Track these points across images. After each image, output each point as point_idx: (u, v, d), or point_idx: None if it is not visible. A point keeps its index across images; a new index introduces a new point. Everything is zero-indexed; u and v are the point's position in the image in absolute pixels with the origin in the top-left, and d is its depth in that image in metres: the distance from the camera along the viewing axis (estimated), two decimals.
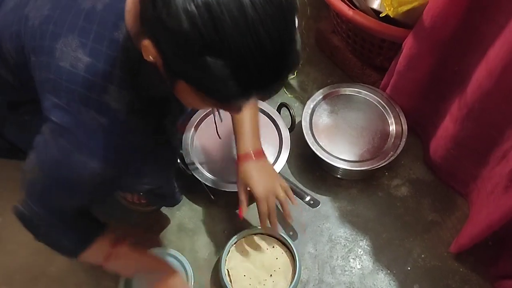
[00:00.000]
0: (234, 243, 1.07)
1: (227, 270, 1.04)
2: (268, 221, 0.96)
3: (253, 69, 0.51)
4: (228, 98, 0.55)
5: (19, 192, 0.75)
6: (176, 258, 1.05)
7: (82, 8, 0.63)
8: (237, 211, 0.99)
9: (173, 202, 1.08)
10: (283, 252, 1.06)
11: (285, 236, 1.06)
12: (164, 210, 1.17)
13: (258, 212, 0.95)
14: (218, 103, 0.59)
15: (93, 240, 0.80)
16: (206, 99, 0.56)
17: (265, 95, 0.57)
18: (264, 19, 0.49)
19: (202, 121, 1.19)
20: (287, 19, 0.51)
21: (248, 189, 0.95)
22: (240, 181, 0.96)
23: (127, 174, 0.75)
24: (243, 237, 1.08)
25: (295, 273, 1.02)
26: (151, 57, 0.55)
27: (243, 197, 0.96)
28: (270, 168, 0.98)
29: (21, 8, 0.67)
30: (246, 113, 0.95)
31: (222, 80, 0.51)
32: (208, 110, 1.19)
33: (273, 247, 1.07)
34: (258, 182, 0.93)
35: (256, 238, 1.08)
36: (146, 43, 0.54)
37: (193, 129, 1.17)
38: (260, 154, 0.96)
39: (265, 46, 0.50)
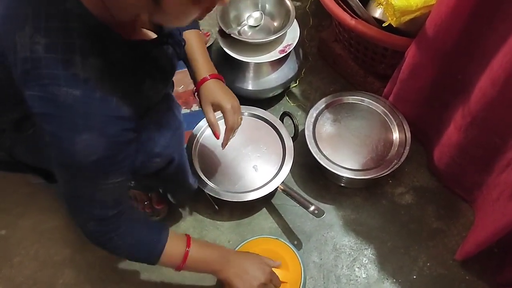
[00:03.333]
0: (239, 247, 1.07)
1: None
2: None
3: None
4: None
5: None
6: None
7: None
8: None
9: (188, 187, 1.07)
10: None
11: (289, 244, 1.06)
12: (169, 220, 1.18)
13: (226, 123, 0.95)
14: None
15: (168, 231, 0.83)
16: None
17: None
18: None
19: (205, 132, 1.19)
20: None
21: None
22: (205, 100, 0.94)
23: (132, 144, 0.74)
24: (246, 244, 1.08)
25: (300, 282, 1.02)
26: None
27: (212, 118, 0.94)
28: (228, 88, 0.98)
29: None
30: (194, 43, 0.95)
31: None
32: None
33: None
34: (224, 96, 0.94)
35: (258, 250, 1.06)
36: None
37: (195, 139, 1.17)
38: (217, 76, 0.96)
39: None
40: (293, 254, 1.05)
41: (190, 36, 0.95)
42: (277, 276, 0.96)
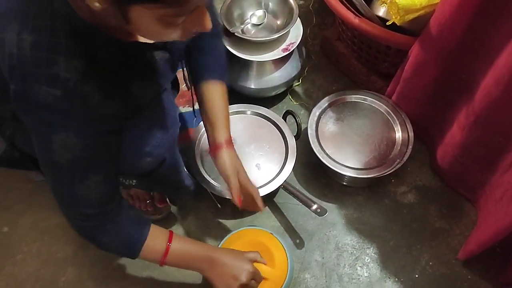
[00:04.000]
0: (229, 236, 1.07)
1: None
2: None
3: None
4: None
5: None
6: None
7: None
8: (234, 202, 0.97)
9: (184, 189, 1.07)
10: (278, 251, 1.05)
11: (276, 236, 1.06)
12: (172, 218, 1.18)
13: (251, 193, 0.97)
14: (179, 11, 0.57)
15: (149, 226, 0.84)
16: (166, 14, 0.56)
17: None
18: None
19: None
20: None
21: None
22: (227, 169, 0.94)
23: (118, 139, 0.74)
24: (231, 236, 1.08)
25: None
26: (96, 3, 0.53)
27: (236, 184, 0.94)
28: (237, 157, 0.98)
29: None
30: (218, 103, 0.94)
31: None
32: None
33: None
34: (239, 170, 0.95)
35: (246, 240, 1.07)
36: None
37: (198, 137, 1.17)
38: (231, 143, 0.97)
39: None
40: (283, 252, 1.04)
41: (213, 90, 0.94)
42: (260, 274, 0.95)
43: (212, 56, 0.95)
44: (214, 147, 0.95)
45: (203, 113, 0.96)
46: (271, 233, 1.08)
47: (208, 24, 0.62)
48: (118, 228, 0.81)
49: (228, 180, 0.94)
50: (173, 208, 1.18)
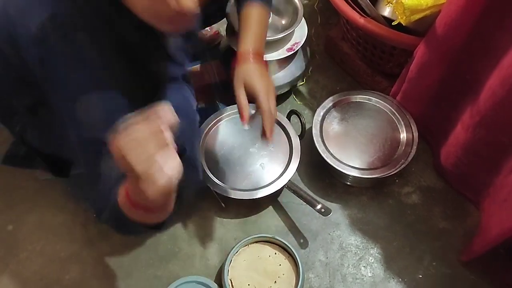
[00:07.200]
0: (236, 252, 1.08)
1: (230, 280, 1.04)
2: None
3: None
4: None
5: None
6: (205, 285, 1.05)
7: None
8: (240, 120, 0.90)
9: (196, 184, 1.02)
10: (286, 258, 1.07)
11: (285, 242, 1.07)
12: (176, 217, 1.17)
13: (261, 109, 0.86)
14: None
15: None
16: None
17: None
18: None
19: (212, 129, 1.19)
20: None
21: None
22: (239, 80, 0.87)
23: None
24: (245, 246, 1.09)
25: (299, 279, 1.02)
26: None
27: (244, 100, 0.87)
28: (269, 77, 0.91)
29: None
30: (255, 14, 0.89)
31: None
32: (218, 118, 1.20)
33: (275, 253, 1.08)
34: (259, 80, 0.87)
35: (257, 245, 1.09)
36: None
37: (203, 136, 1.17)
38: (261, 57, 0.89)
39: None
40: (289, 251, 1.06)
41: (253, 10, 0.88)
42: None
43: None
44: (238, 56, 0.87)
45: (238, 30, 0.89)
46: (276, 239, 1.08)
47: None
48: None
49: (236, 93, 0.86)
50: (177, 207, 1.18)
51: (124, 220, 0.66)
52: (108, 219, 0.74)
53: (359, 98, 1.25)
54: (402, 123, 1.19)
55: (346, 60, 1.39)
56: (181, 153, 0.86)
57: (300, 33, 1.26)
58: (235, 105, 1.20)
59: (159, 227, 0.74)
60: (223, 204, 1.15)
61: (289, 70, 1.28)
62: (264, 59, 0.90)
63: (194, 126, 0.89)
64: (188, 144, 0.88)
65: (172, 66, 0.80)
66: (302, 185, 1.22)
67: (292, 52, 1.23)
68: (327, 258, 1.12)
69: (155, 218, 0.69)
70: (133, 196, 0.62)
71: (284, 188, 1.13)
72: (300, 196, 1.10)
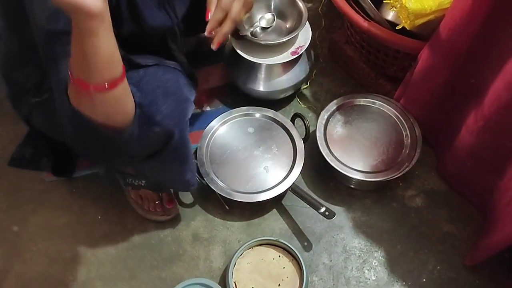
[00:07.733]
0: (240, 255, 1.08)
1: (234, 283, 1.04)
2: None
3: None
4: None
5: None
6: (209, 287, 1.05)
7: None
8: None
9: (184, 183, 1.02)
10: (290, 261, 1.07)
11: (289, 245, 1.07)
12: (179, 219, 1.18)
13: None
14: None
15: None
16: None
17: None
18: None
19: (217, 132, 1.20)
20: None
21: None
22: None
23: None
24: (249, 248, 1.09)
25: (302, 282, 1.03)
26: None
27: None
28: None
29: None
30: None
31: None
32: (223, 121, 1.20)
33: (279, 256, 1.08)
34: None
35: (261, 248, 1.09)
36: None
37: (207, 139, 1.18)
38: None
39: None
40: (293, 254, 1.07)
41: None
42: None
43: None
44: None
45: None
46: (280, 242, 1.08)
47: None
48: None
49: None
50: (181, 209, 1.19)
51: (83, 127, 0.69)
52: (72, 135, 0.75)
53: (363, 101, 1.25)
54: (406, 126, 1.19)
55: (350, 63, 1.39)
56: (169, 138, 0.84)
57: (304, 36, 1.27)
58: (240, 108, 1.23)
59: (114, 152, 0.77)
60: (227, 207, 1.15)
61: (293, 73, 1.28)
62: None
63: (182, 110, 0.86)
64: (177, 128, 0.85)
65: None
66: (306, 188, 1.22)
67: (296, 55, 1.23)
68: (331, 261, 1.12)
69: (102, 105, 0.68)
70: (73, 69, 0.64)
71: (288, 191, 1.13)
72: (304, 199, 1.11)
